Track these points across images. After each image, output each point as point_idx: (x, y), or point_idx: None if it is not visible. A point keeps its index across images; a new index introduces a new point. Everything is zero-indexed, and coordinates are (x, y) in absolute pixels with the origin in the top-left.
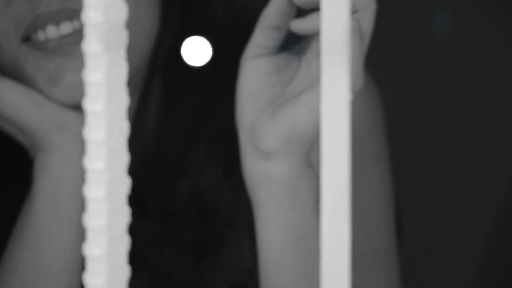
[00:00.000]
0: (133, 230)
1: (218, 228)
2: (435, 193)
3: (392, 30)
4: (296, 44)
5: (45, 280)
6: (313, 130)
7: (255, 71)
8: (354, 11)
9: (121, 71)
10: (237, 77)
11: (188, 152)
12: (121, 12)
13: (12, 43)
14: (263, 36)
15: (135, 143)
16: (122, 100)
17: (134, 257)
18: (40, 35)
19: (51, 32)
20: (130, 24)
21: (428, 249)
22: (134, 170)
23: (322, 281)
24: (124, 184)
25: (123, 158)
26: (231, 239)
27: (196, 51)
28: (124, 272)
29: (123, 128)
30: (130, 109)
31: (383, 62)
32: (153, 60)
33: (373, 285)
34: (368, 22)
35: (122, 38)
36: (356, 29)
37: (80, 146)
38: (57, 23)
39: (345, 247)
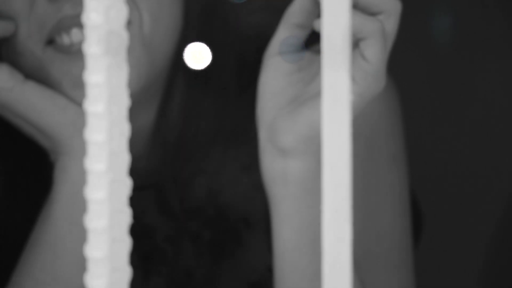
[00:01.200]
0: (153, 227)
1: (236, 227)
2: (438, 194)
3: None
4: (319, 43)
5: (61, 284)
6: None
7: (277, 69)
8: (378, 13)
9: (122, 72)
10: (258, 75)
11: (207, 149)
12: (121, 14)
13: (36, 46)
14: (286, 33)
15: (158, 141)
16: (123, 102)
17: (153, 255)
18: (65, 39)
19: (76, 35)
20: (155, 25)
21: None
22: (156, 167)
23: (324, 283)
24: (125, 185)
25: (124, 159)
26: (249, 237)
27: (198, 56)
28: (125, 273)
29: (124, 130)
30: (153, 107)
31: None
32: (176, 59)
33: (388, 286)
34: (392, 24)
35: (123, 39)
36: (381, 32)
37: None
38: (81, 26)
39: (346, 249)
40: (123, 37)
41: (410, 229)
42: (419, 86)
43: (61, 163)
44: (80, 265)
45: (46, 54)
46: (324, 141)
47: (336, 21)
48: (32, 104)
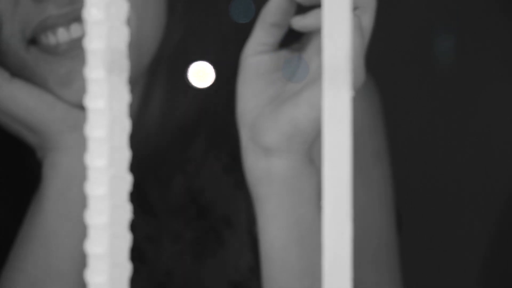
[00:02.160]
0: (132, 226)
1: (217, 226)
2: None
3: (394, 51)
4: (296, 41)
5: (54, 279)
6: (314, 128)
7: (255, 68)
8: (354, 8)
9: (123, 68)
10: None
11: (187, 148)
12: (122, 10)
13: (19, 45)
14: (263, 33)
15: (137, 138)
16: (123, 98)
17: (132, 254)
18: (51, 39)
19: (62, 35)
20: (139, 23)
21: (429, 249)
22: (136, 165)
23: (324, 279)
24: (126, 181)
25: (125, 155)
26: (230, 237)
27: (201, 74)
28: (126, 269)
29: (125, 126)
30: (133, 103)
31: (385, 82)
32: (158, 57)
33: (374, 283)
34: (368, 19)
35: (123, 35)
36: (357, 26)
37: None
38: (67, 25)
39: (347, 244)
40: (125, 33)
41: (395, 226)
42: (421, 106)
43: (51, 159)
44: (73, 259)
45: (30, 53)
46: (325, 160)
47: (337, 41)
48: (20, 101)
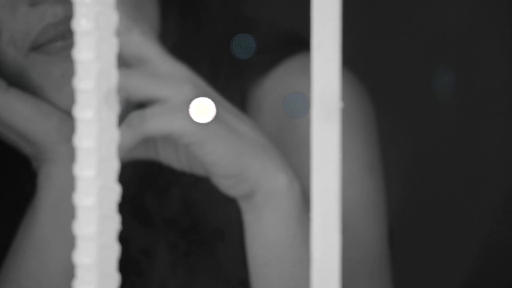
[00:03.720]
0: (128, 239)
1: (210, 239)
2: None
3: (393, 88)
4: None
5: None
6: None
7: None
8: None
9: (112, 78)
10: (235, 75)
11: None
12: (111, 20)
13: (19, 52)
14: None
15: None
16: (112, 108)
17: (128, 267)
18: (51, 48)
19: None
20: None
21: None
22: (133, 176)
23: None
24: (115, 192)
25: (114, 166)
26: (223, 250)
27: (202, 109)
28: (113, 280)
29: (114, 136)
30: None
31: (384, 120)
32: None
33: None
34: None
35: (112, 45)
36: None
37: None
38: (64, 37)
39: (335, 256)
40: (113, 43)
41: (386, 237)
42: (420, 144)
43: (45, 170)
44: (65, 271)
45: (27, 60)
46: (313, 194)
47: (327, 76)
48: (15, 111)
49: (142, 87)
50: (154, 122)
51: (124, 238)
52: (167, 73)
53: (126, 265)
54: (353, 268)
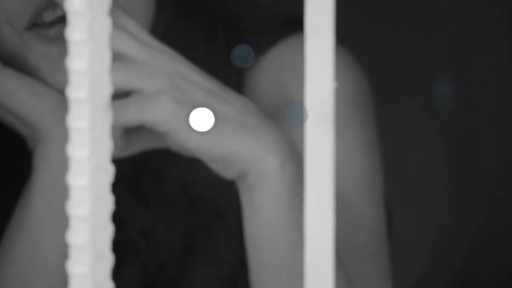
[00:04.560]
0: (126, 219)
1: (207, 220)
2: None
3: (393, 98)
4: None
5: (42, 272)
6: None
7: None
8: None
9: (105, 59)
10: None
11: None
12: (104, 0)
13: (15, 32)
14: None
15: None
16: (105, 88)
17: (126, 247)
18: (48, 16)
19: (48, 16)
20: (123, 10)
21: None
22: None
23: (306, 271)
24: (108, 172)
25: (107, 146)
26: (220, 230)
27: (202, 119)
28: (107, 260)
29: (107, 116)
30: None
31: (384, 130)
32: None
33: (364, 275)
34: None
35: (106, 25)
36: None
37: None
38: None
39: (329, 237)
40: (106, 23)
41: (384, 218)
42: (421, 154)
43: (41, 151)
44: (61, 253)
45: (23, 39)
46: (307, 175)
47: (320, 86)
48: (10, 92)
49: (116, 80)
50: (126, 113)
51: (121, 218)
52: (143, 63)
53: (124, 246)
54: (351, 249)
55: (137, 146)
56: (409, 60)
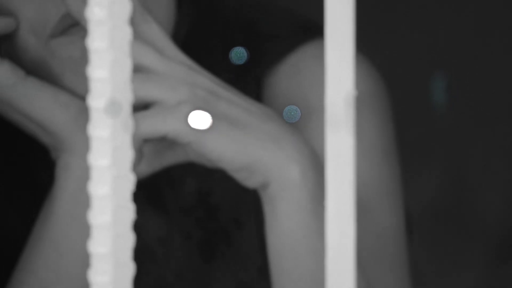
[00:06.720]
0: (144, 228)
1: (226, 227)
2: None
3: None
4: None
5: (65, 281)
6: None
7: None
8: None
9: (126, 67)
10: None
11: None
12: (125, 8)
13: (40, 40)
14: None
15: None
16: (126, 97)
17: (144, 255)
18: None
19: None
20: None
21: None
22: None
23: (328, 279)
24: (129, 181)
25: (128, 155)
26: (239, 238)
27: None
28: (129, 269)
29: (128, 125)
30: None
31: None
32: None
33: (382, 282)
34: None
35: (126, 34)
36: None
37: None
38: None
39: (350, 244)
40: (127, 31)
41: (404, 227)
42: (420, 153)
43: (63, 160)
44: (84, 263)
45: (47, 47)
46: (328, 183)
47: (339, 86)
48: (34, 101)
49: (137, 91)
50: (147, 124)
51: (139, 226)
52: (164, 75)
53: (141, 254)
54: (370, 257)
55: (158, 162)
56: (409, 60)
